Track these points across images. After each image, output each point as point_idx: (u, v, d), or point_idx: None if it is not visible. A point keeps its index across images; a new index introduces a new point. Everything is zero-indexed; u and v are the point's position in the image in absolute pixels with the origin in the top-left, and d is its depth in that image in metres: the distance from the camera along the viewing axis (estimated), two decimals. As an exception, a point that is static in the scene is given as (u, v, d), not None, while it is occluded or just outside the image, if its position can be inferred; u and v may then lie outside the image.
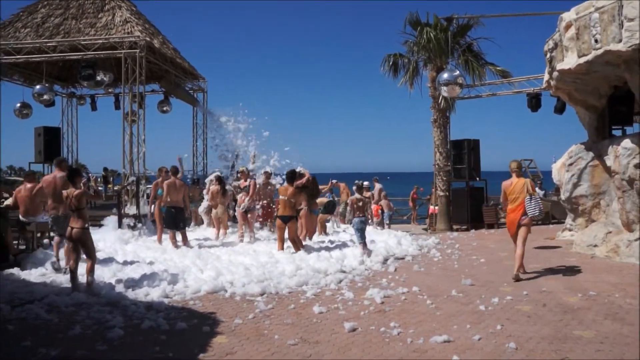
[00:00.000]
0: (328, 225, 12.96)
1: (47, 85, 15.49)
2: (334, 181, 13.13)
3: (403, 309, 5.81)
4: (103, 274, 7.18)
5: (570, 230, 11.39)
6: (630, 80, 8.76)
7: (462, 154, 15.68)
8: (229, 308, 5.94)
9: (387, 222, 14.93)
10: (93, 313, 5.58)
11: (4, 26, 14.63)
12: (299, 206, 10.25)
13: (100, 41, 13.52)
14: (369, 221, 13.09)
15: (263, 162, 13.42)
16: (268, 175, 12.03)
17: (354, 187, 10.38)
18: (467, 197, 15.63)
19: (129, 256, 8.94)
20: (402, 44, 17.42)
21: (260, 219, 12.07)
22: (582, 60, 9.01)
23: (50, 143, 16.41)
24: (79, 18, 14.69)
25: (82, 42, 13.62)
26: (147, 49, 13.54)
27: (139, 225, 12.05)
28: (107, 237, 10.58)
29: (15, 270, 7.76)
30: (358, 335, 4.88)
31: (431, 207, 17.50)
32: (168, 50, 15.72)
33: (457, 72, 13.54)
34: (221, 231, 11.57)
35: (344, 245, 10.04)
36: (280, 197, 9.51)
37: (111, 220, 11.65)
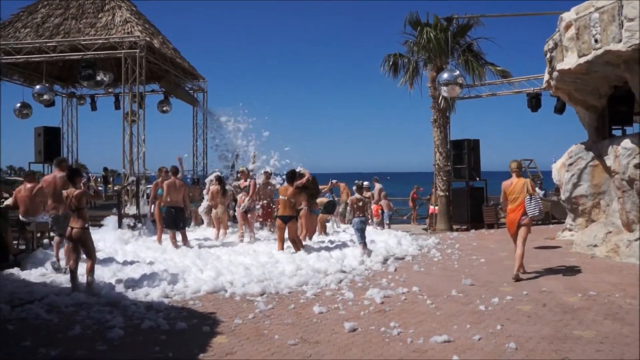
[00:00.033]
0: (328, 225, 12.96)
1: (47, 85, 15.48)
2: (334, 181, 13.13)
3: (403, 309, 5.81)
4: (103, 274, 7.18)
5: (570, 230, 11.39)
6: (630, 80, 8.77)
7: (462, 154, 15.68)
8: (229, 308, 5.93)
9: (387, 222, 14.93)
10: (93, 313, 5.58)
11: (4, 26, 14.63)
12: (299, 206, 10.26)
13: (100, 41, 13.52)
14: (369, 221, 13.10)
15: (263, 162, 13.43)
16: (268, 175, 12.04)
17: (354, 187, 10.38)
18: (467, 197, 15.63)
19: (129, 256, 8.94)
20: (402, 44, 17.44)
21: (261, 219, 12.08)
22: (582, 60, 9.02)
23: (50, 143, 16.41)
24: (79, 18, 14.69)
25: (82, 42, 13.62)
26: (147, 49, 13.55)
27: (139, 225, 12.05)
28: (107, 237, 10.59)
29: (15, 270, 7.76)
30: (358, 335, 4.88)
31: (431, 207, 17.49)
32: (168, 50, 15.73)
33: (457, 72, 13.53)
34: (221, 231, 11.57)
35: (344, 245, 10.04)
36: (280, 197, 9.51)
37: (111, 220, 11.65)
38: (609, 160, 9.45)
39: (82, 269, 6.67)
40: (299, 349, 4.53)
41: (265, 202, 11.78)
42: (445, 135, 16.81)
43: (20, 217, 8.80)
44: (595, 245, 9.33)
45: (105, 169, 23.56)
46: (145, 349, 4.52)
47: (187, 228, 10.98)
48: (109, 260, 8.22)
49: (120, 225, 11.64)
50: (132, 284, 6.76)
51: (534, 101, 15.69)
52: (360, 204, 9.72)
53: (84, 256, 6.75)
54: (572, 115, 11.80)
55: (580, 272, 7.72)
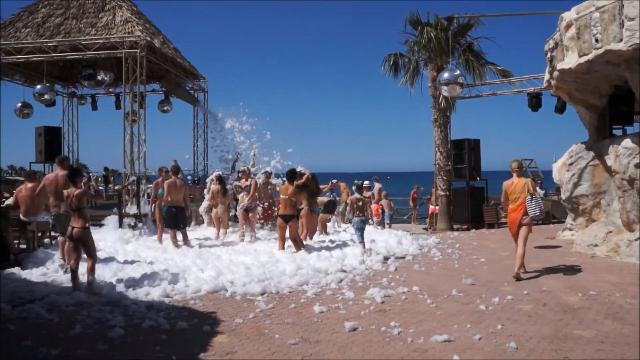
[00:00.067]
0: (329, 224, 12.96)
1: (47, 85, 15.47)
2: (335, 181, 13.15)
3: (403, 309, 5.82)
4: (104, 274, 7.19)
5: (570, 229, 11.38)
6: (631, 80, 8.76)
7: (463, 154, 15.67)
8: (229, 307, 5.94)
9: (388, 221, 14.93)
10: (94, 312, 5.59)
11: (4, 26, 14.63)
12: (300, 205, 10.27)
13: (101, 41, 13.52)
14: (369, 221, 13.11)
15: (264, 163, 13.46)
16: (268, 175, 12.04)
17: (354, 187, 10.39)
18: (468, 197, 15.62)
19: (130, 256, 8.95)
20: (403, 44, 17.44)
21: (262, 221, 12.09)
22: (583, 59, 9.01)
23: (51, 143, 16.40)
24: (79, 18, 14.69)
25: (83, 42, 13.61)
26: (147, 49, 13.54)
27: (140, 224, 12.06)
28: (107, 237, 10.58)
29: (16, 270, 7.78)
30: (358, 335, 4.88)
31: (431, 206, 17.48)
32: (168, 50, 15.72)
33: (458, 72, 13.53)
34: (221, 231, 11.58)
35: (344, 244, 10.04)
36: (281, 196, 9.51)
37: (112, 219, 11.64)
38: (610, 160, 9.45)
39: (82, 268, 6.68)
40: (300, 348, 4.54)
41: (266, 204, 11.79)
42: (446, 134, 16.81)
43: (21, 216, 8.82)
44: (596, 245, 9.33)
45: (105, 169, 23.59)
46: (145, 348, 4.52)
47: (187, 227, 10.98)
48: (109, 260, 8.24)
49: (120, 225, 11.64)
50: (133, 283, 6.76)
51: (535, 101, 15.69)
52: (360, 203, 9.74)
53: (84, 256, 6.76)
54: (573, 115, 11.81)
55: (581, 271, 7.72)
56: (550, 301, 5.97)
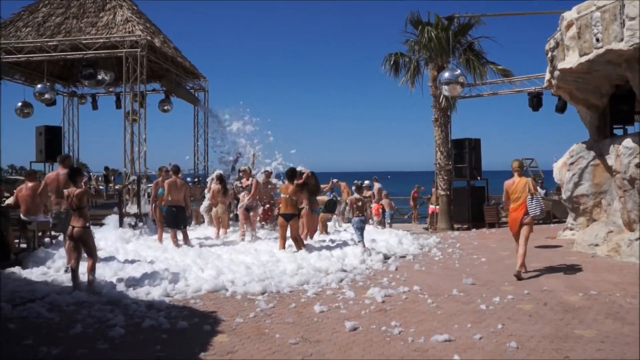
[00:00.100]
0: (330, 224, 12.97)
1: (48, 84, 15.49)
2: (335, 180, 13.15)
3: (404, 308, 5.81)
4: (104, 273, 7.19)
5: (571, 229, 11.38)
6: (632, 79, 8.76)
7: (463, 153, 15.67)
8: (229, 307, 5.94)
9: (389, 221, 14.93)
10: (94, 312, 5.58)
11: (5, 25, 14.63)
12: (301, 204, 10.27)
13: (102, 40, 13.52)
14: (369, 220, 13.11)
15: (266, 165, 13.46)
16: (268, 175, 12.04)
17: (353, 188, 10.40)
18: (468, 197, 15.63)
19: (130, 255, 8.94)
20: (403, 43, 17.46)
21: (263, 223, 12.09)
22: (584, 59, 9.01)
23: (51, 142, 16.44)
24: (80, 17, 14.69)
25: (83, 41, 13.62)
26: (148, 48, 13.54)
27: (140, 224, 12.06)
28: (108, 236, 10.59)
29: (16, 269, 7.77)
30: (359, 335, 4.87)
31: (432, 206, 17.49)
32: (169, 49, 15.73)
33: (458, 71, 13.54)
34: (221, 230, 11.58)
35: (345, 244, 10.03)
36: (282, 195, 9.51)
37: (112, 219, 11.65)
38: (610, 160, 9.44)
39: (83, 267, 6.68)
40: (300, 348, 4.53)
41: (267, 206, 11.78)
42: (447, 134, 16.82)
43: (22, 216, 8.82)
44: (597, 245, 9.32)
45: (106, 168, 23.59)
46: (146, 347, 4.52)
47: (187, 227, 10.98)
48: (110, 259, 8.24)
49: (121, 224, 11.65)
50: (133, 282, 6.76)
51: (535, 100, 15.69)
52: (360, 203, 9.74)
53: (85, 255, 6.76)
54: (574, 115, 11.80)
55: (581, 271, 7.72)
56: (550, 301, 5.96)
